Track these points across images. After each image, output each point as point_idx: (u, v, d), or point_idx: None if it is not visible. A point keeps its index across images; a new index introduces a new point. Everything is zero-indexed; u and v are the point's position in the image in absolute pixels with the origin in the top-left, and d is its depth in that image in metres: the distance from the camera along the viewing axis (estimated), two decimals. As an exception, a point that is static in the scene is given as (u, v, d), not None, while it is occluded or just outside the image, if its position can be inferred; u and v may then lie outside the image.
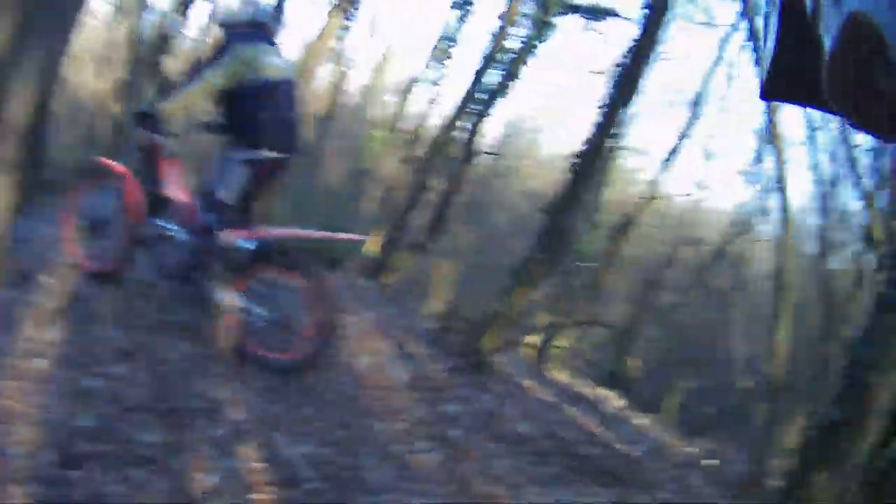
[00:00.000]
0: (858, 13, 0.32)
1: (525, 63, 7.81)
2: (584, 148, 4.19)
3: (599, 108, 4.22)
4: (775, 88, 0.45)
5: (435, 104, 9.68)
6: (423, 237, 7.69)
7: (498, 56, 7.58)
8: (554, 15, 7.70)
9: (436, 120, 9.43)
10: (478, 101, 7.70)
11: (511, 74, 7.77)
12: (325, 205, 9.47)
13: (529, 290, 4.12)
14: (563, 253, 4.37)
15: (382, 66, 16.30)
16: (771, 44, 0.42)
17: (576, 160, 4.19)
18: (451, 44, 8.73)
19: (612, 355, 9.50)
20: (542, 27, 7.62)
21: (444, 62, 8.90)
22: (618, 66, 4.70)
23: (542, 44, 7.85)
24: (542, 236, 4.12)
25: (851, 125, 0.37)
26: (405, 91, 11.95)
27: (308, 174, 10.04)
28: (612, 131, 4.37)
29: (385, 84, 16.29)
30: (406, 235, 7.59)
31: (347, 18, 6.47)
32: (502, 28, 7.53)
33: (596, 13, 8.31)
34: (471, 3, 8.51)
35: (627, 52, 4.33)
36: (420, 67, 14.25)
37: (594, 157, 4.26)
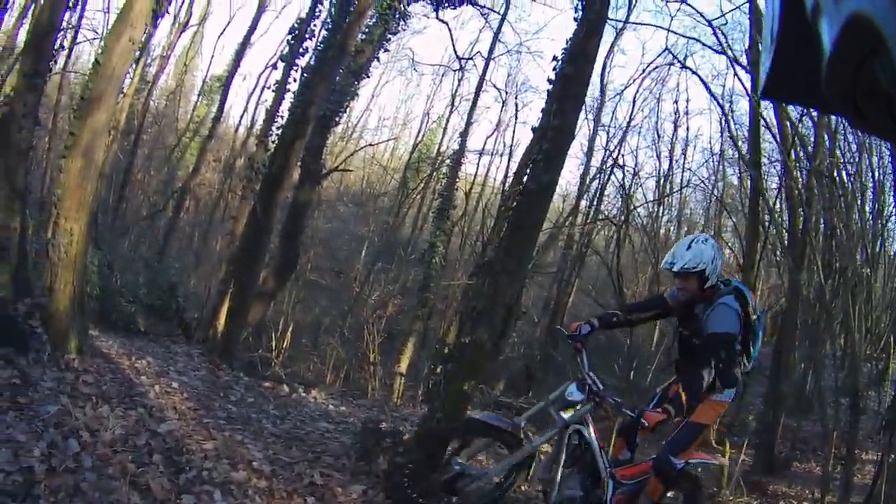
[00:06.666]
0: (858, 13, 0.31)
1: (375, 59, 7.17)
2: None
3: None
4: (776, 88, 0.44)
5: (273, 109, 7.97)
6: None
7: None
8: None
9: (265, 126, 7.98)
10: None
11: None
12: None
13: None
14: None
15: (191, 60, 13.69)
16: (772, 44, 0.42)
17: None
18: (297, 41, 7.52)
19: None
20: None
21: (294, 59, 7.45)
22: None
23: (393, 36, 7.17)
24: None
25: (851, 124, 0.37)
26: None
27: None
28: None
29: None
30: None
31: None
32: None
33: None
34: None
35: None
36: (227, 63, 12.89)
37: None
